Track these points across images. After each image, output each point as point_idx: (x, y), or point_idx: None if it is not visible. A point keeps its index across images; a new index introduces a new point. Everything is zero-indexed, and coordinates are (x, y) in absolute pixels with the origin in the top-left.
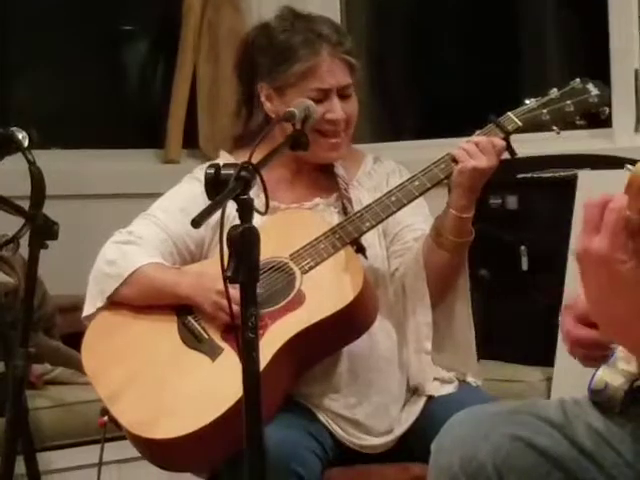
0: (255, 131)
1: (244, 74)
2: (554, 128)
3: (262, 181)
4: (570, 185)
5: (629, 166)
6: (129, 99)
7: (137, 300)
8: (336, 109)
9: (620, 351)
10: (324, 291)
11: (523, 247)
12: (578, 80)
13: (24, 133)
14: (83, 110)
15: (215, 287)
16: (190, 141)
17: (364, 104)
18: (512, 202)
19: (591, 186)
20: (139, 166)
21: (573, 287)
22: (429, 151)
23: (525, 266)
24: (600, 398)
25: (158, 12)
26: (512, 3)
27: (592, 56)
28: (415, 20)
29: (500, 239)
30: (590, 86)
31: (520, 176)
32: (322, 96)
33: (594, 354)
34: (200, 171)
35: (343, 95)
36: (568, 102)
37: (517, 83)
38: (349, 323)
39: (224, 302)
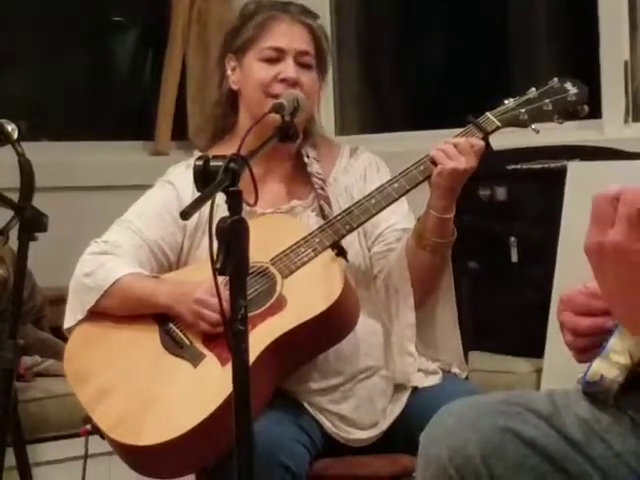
0: (219, 110)
1: (219, 56)
2: (533, 127)
3: (251, 173)
4: (559, 176)
5: None
6: (118, 90)
7: (117, 311)
8: (289, 69)
9: (613, 343)
10: (305, 295)
11: (513, 238)
12: (556, 79)
13: (13, 125)
14: (72, 102)
15: (193, 296)
16: (179, 133)
17: (353, 96)
18: (501, 193)
19: (580, 177)
20: (128, 158)
21: (563, 278)
22: (417, 143)
23: (515, 258)
24: (595, 390)
25: (147, 3)
26: None
27: (582, 47)
28: (404, 12)
29: (489, 231)
30: (568, 85)
31: (509, 167)
32: (277, 56)
33: (587, 344)
34: (173, 172)
35: (302, 63)
36: (546, 101)
37: (505, 72)
38: (330, 326)
39: (204, 311)
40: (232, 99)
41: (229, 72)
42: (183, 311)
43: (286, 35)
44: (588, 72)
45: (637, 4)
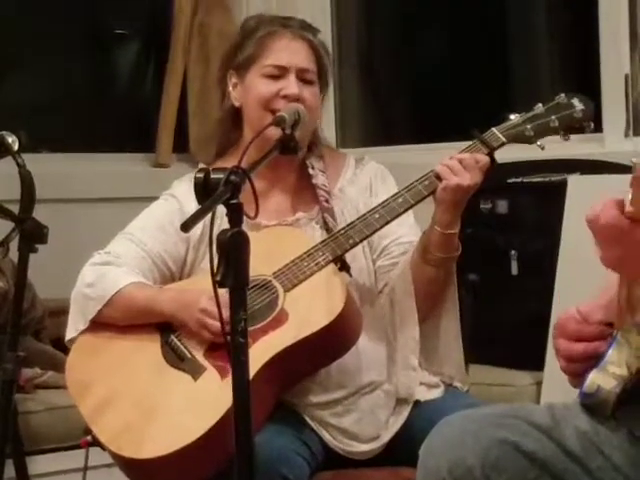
0: (222, 127)
1: (220, 72)
2: (538, 144)
3: (252, 185)
4: (560, 190)
5: (634, 159)
6: (119, 102)
7: (120, 320)
8: (292, 85)
9: (610, 355)
10: (307, 309)
11: (513, 251)
12: (563, 95)
13: (14, 137)
14: (73, 113)
15: (198, 304)
16: (180, 145)
17: (355, 109)
18: (502, 207)
19: (581, 191)
20: (129, 170)
21: (564, 291)
22: (419, 155)
23: (515, 270)
24: (592, 401)
25: (149, 14)
26: (503, 2)
27: (582, 61)
28: (405, 24)
29: (490, 243)
30: (575, 101)
31: (510, 181)
32: (279, 73)
33: (582, 369)
34: (177, 185)
35: (303, 80)
36: (553, 117)
37: (507, 88)
38: (332, 341)
39: (207, 320)
40: (234, 115)
41: (230, 88)
42: (186, 320)
43: (287, 52)
44: (589, 86)
45: (637, 17)
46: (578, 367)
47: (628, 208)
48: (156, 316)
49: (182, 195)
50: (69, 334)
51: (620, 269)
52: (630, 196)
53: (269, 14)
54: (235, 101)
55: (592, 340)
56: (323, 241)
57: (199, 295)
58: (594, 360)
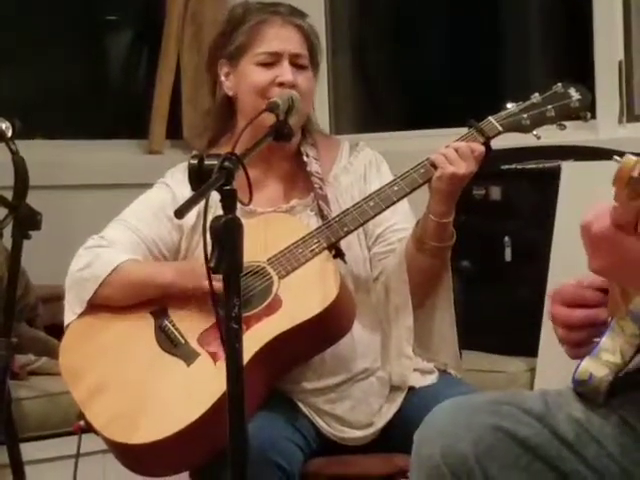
0: (216, 116)
1: (209, 61)
2: (534, 133)
3: (245, 171)
4: (554, 176)
5: (617, 157)
6: (113, 89)
7: (118, 299)
8: (286, 72)
9: (604, 342)
10: (301, 296)
11: (507, 238)
12: (560, 85)
13: (7, 123)
14: (66, 100)
15: (202, 270)
16: (174, 132)
17: (348, 95)
18: (496, 193)
19: (575, 177)
20: (123, 157)
21: (557, 278)
22: (413, 142)
23: (508, 257)
24: (584, 389)
25: (141, 1)
26: None
27: (576, 47)
28: (399, 8)
29: (483, 230)
30: (572, 91)
31: (504, 167)
32: (272, 60)
33: (582, 337)
34: (170, 176)
35: (296, 65)
36: (549, 107)
37: (501, 71)
38: (326, 328)
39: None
40: (228, 105)
41: (223, 78)
42: (188, 284)
43: (279, 38)
44: (583, 72)
45: (631, 4)
46: (577, 335)
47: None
48: (156, 288)
49: (175, 184)
50: (67, 319)
51: (608, 277)
52: (612, 209)
53: (255, 1)
54: (228, 90)
55: (591, 306)
56: (317, 228)
57: (199, 265)
58: (593, 328)
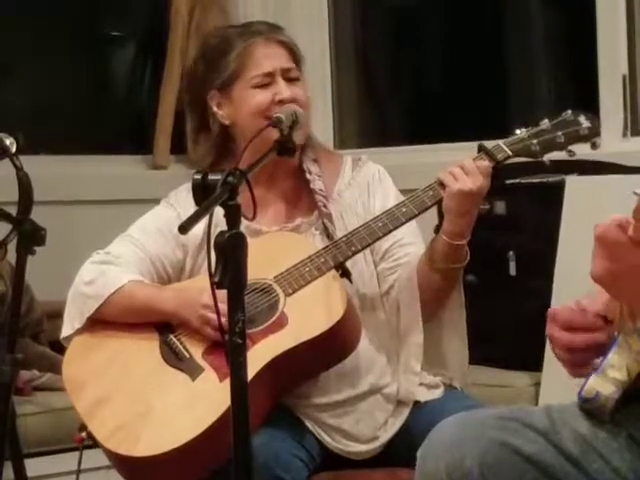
0: (215, 144)
1: (194, 96)
2: (544, 159)
3: (249, 186)
4: (558, 191)
5: (637, 191)
6: (117, 104)
7: (120, 318)
8: (283, 89)
9: (610, 359)
10: (307, 314)
11: (511, 252)
12: (570, 112)
13: (11, 139)
14: (70, 115)
15: (201, 301)
16: (178, 146)
17: (352, 110)
18: (500, 207)
19: (579, 192)
20: (127, 172)
21: (562, 292)
22: (416, 156)
23: (513, 271)
24: (590, 406)
25: (145, 16)
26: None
27: (580, 61)
28: (402, 24)
29: (488, 244)
30: (581, 118)
31: (508, 181)
32: (266, 81)
33: (583, 359)
34: (174, 195)
35: (289, 78)
36: (559, 133)
37: (503, 87)
38: (331, 347)
39: (211, 315)
40: (225, 134)
41: (215, 109)
42: (188, 317)
43: (267, 57)
44: (587, 86)
45: (635, 18)
46: (578, 357)
47: (630, 233)
48: (156, 314)
49: (179, 203)
50: (65, 332)
51: (607, 284)
52: (631, 229)
53: (226, 27)
54: (224, 120)
55: (585, 330)
56: (325, 247)
57: (200, 292)
58: (594, 351)
